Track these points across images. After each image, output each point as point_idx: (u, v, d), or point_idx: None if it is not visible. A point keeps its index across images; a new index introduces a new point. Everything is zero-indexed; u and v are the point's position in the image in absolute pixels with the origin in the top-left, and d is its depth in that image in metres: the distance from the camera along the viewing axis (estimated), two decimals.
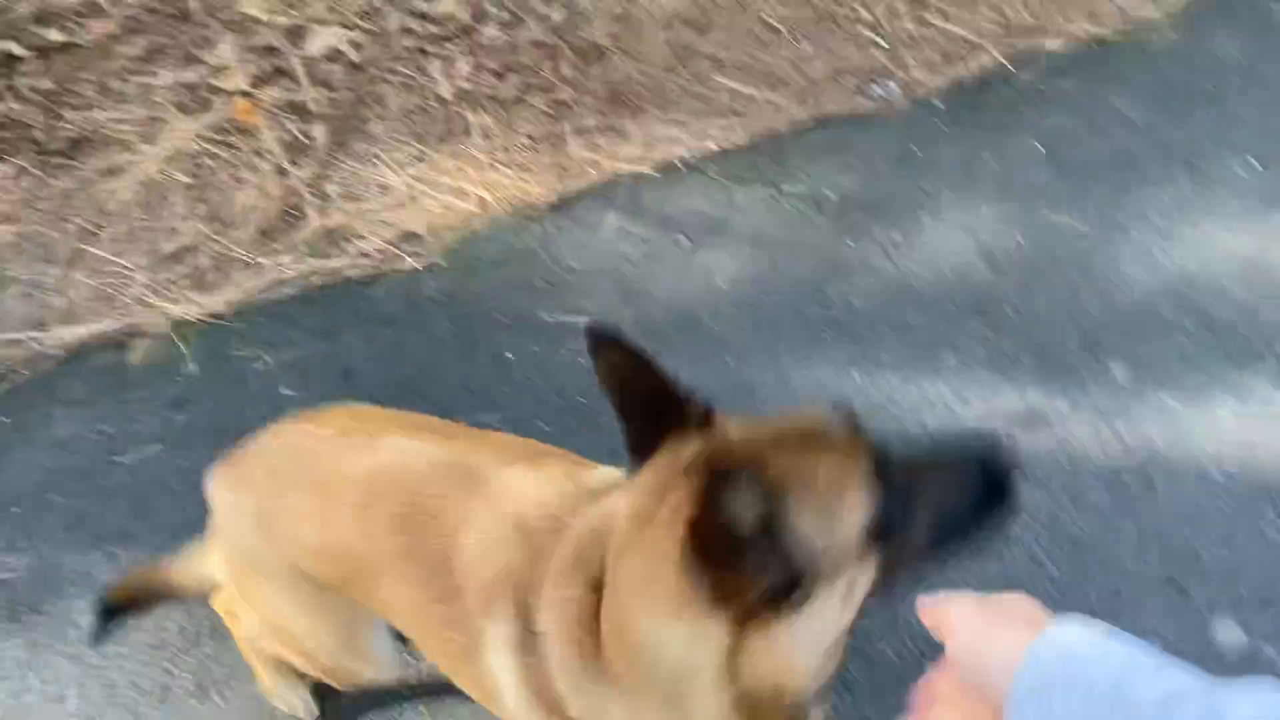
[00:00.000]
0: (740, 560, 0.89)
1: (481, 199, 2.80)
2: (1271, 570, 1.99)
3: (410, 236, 2.75)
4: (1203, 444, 2.17)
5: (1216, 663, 1.89)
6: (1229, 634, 1.94)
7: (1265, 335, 2.32)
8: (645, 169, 2.80)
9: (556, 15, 3.19)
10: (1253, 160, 2.64)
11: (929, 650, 0.88)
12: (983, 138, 2.76)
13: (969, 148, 2.74)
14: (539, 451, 1.38)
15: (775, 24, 3.13)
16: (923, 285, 2.48)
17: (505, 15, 3.21)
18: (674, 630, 0.96)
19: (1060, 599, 1.98)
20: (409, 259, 2.69)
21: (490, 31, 3.17)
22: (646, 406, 0.99)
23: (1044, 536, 2.07)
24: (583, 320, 2.48)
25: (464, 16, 3.21)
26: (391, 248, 2.73)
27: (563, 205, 2.75)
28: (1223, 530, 2.05)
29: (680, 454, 0.99)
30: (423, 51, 3.18)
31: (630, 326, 2.43)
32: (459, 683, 1.34)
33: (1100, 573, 2.01)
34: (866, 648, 1.89)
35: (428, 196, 2.83)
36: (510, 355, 2.43)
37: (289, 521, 1.34)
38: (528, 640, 1.14)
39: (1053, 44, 2.96)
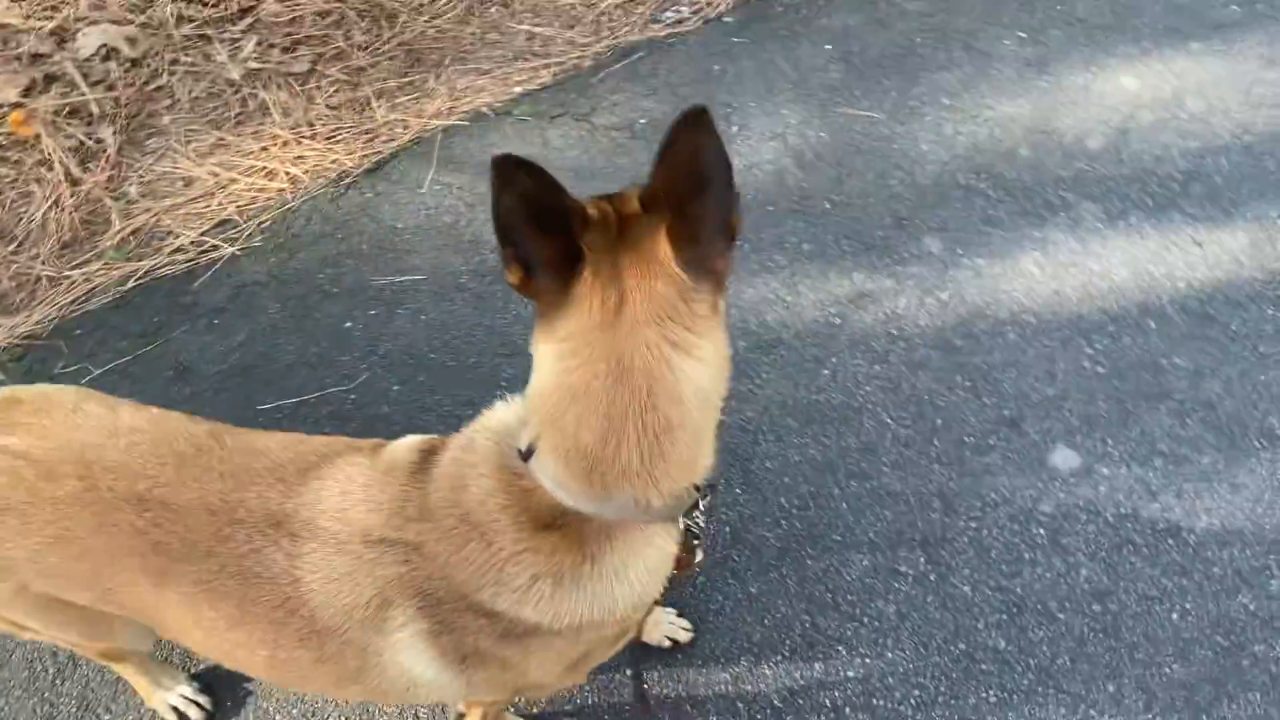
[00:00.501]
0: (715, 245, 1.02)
1: (291, 175, 2.72)
2: (1093, 396, 2.17)
3: (223, 224, 2.66)
4: (1016, 296, 2.33)
5: (1056, 486, 2.05)
6: (1065, 459, 2.10)
7: (1055, 188, 2.49)
8: (455, 120, 2.78)
9: None
10: (1020, 34, 2.82)
11: None
12: (775, 46, 2.85)
13: (764, 58, 2.83)
14: (312, 460, 1.25)
15: None
16: (743, 194, 2.54)
17: None
18: (707, 346, 1.03)
19: (910, 454, 2.11)
20: (225, 246, 2.60)
21: (271, 6, 3.07)
22: (554, 221, 0.98)
23: (889, 402, 2.19)
24: (418, 278, 2.46)
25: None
26: (206, 239, 2.63)
27: (377, 168, 2.70)
28: (1046, 369, 2.21)
29: (608, 239, 1.02)
30: (204, 37, 3.05)
31: (465, 276, 2.43)
32: (337, 694, 1.31)
33: (943, 426, 2.14)
34: None
35: (235, 182, 2.73)
36: (348, 324, 2.39)
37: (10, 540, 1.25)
38: (442, 621, 1.15)
39: None
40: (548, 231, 0.98)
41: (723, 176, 0.98)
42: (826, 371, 2.25)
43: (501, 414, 1.18)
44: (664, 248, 1.00)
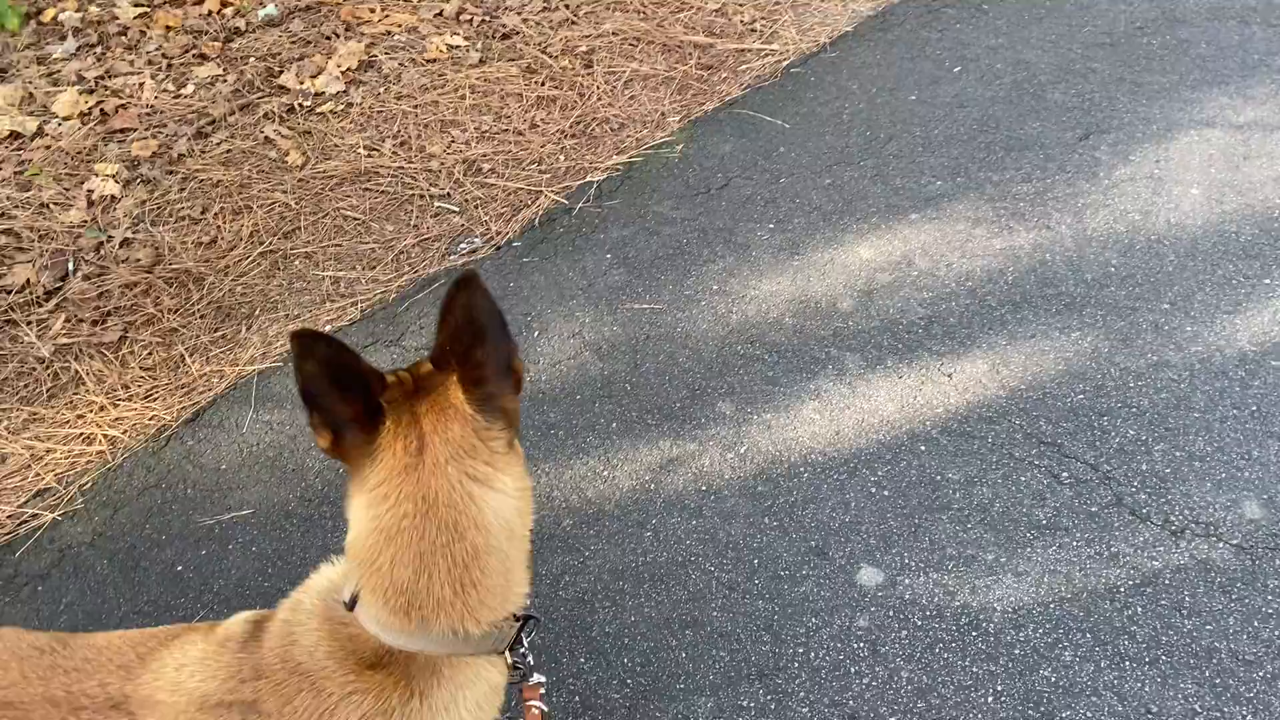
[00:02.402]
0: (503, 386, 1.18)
1: (110, 437, 2.77)
2: (884, 517, 2.41)
3: (42, 493, 2.66)
4: (803, 441, 2.59)
5: (867, 601, 2.25)
6: (870, 576, 2.31)
7: (820, 346, 2.83)
8: (270, 364, 2.93)
9: (143, 256, 3.28)
10: (770, 225, 3.25)
11: None
12: (562, 260, 3.17)
13: (553, 271, 3.14)
14: (152, 645, 1.30)
15: (357, 216, 3.42)
16: (551, 388, 2.78)
17: (89, 268, 3.24)
18: (506, 478, 1.17)
19: (735, 595, 2.27)
20: (46, 514, 2.59)
21: (78, 285, 3.19)
22: (353, 384, 1.12)
23: (709, 552, 2.36)
24: (246, 513, 2.52)
25: (44, 280, 3.21)
26: (24, 510, 2.63)
27: (196, 418, 2.79)
28: (839, 499, 2.46)
29: (403, 401, 1.16)
30: (10, 322, 3.12)
31: (293, 503, 2.52)
32: None
33: (760, 565, 2.33)
34: None
35: (52, 451, 2.76)
36: (179, 568, 2.41)
37: None
38: None
39: (595, 177, 3.48)
40: (349, 393, 1.13)
41: (497, 325, 1.17)
42: (649, 533, 2.42)
43: (326, 573, 1.29)
44: (456, 394, 1.17)
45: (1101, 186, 3.25)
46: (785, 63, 3.96)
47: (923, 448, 2.56)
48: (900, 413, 2.64)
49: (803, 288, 3.02)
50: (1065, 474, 2.46)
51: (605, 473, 2.55)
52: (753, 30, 4.14)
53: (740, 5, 4.27)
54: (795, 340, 2.86)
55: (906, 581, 2.29)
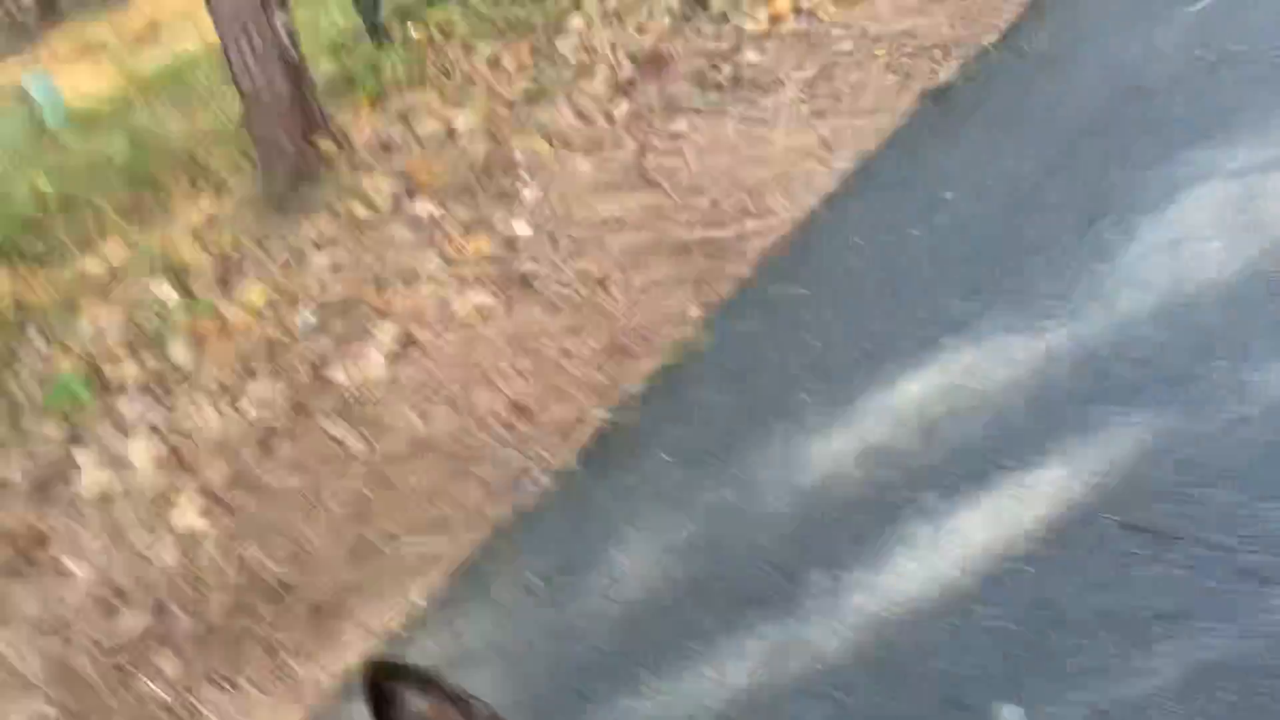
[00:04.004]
0: None
1: None
2: (1009, 648, 2.33)
3: None
4: (904, 591, 2.55)
5: None
6: (1013, 715, 2.22)
7: (893, 491, 2.82)
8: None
9: (236, 579, 3.40)
10: (809, 387, 3.30)
11: None
12: (623, 473, 3.25)
13: (616, 487, 3.20)
14: None
15: (423, 485, 3.54)
16: (642, 608, 2.79)
17: (190, 602, 3.37)
18: None
19: None
20: None
21: (183, 623, 3.31)
22: None
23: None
24: None
25: (151, 627, 3.33)
26: None
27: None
28: (958, 643, 2.38)
29: None
30: (126, 674, 3.23)
31: None
32: None
33: None
34: None
35: None
36: None
37: None
38: None
39: (635, 387, 3.60)
40: None
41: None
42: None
43: None
44: None
45: (1120, 266, 3.28)
46: (785, 234, 4.13)
47: (1026, 568, 2.49)
48: (993, 538, 2.60)
49: (861, 438, 3.04)
50: (1174, 555, 2.38)
51: (717, 677, 2.51)
52: (747, 213, 4.34)
53: (729, 193, 4.49)
54: (869, 492, 2.86)
55: (1050, 710, 2.19)
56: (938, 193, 4.01)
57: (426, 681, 0.98)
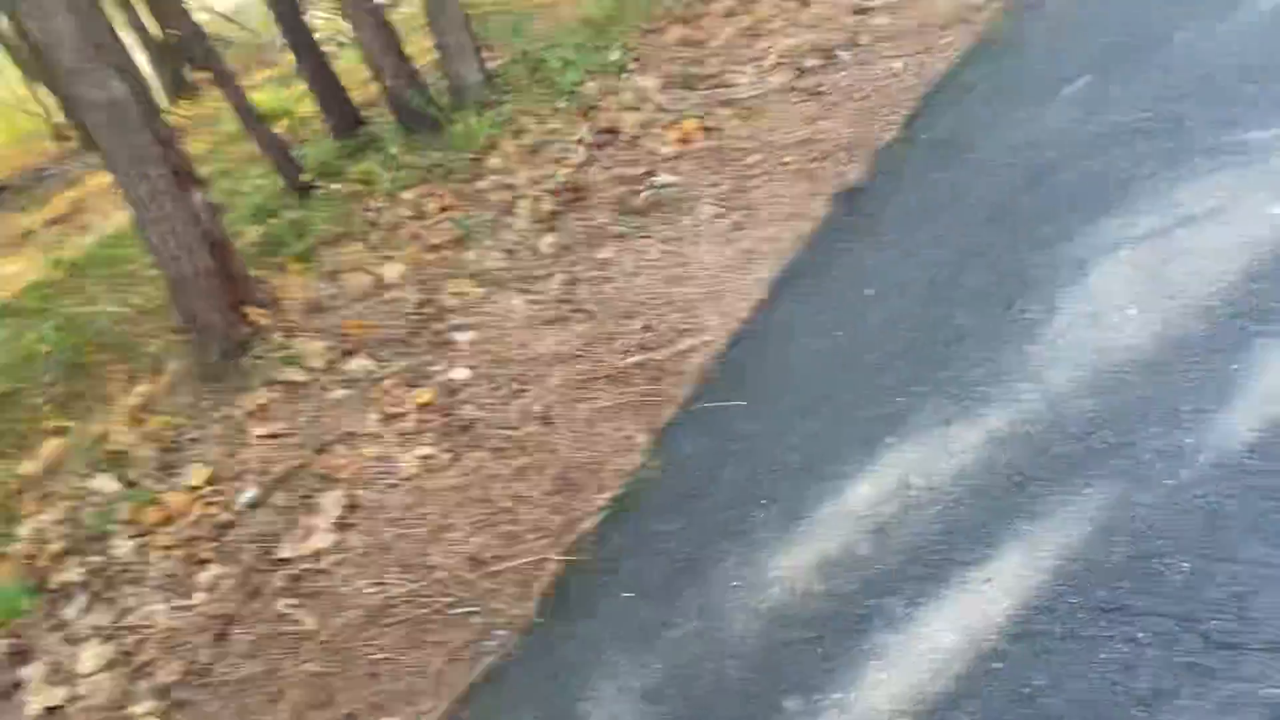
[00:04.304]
0: None
1: None
2: None
3: None
4: (880, 706, 2.50)
5: None
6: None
7: (856, 602, 2.79)
8: None
9: None
10: (762, 502, 3.28)
11: None
12: (587, 620, 3.17)
13: (582, 637, 3.13)
14: None
15: (384, 656, 3.43)
16: None
17: None
18: None
19: None
20: None
21: None
22: None
23: None
24: None
25: None
26: None
27: None
28: None
29: None
30: None
31: None
32: None
33: None
34: None
35: None
36: None
37: None
38: None
39: (589, 523, 3.55)
40: None
41: None
42: None
43: None
44: None
45: (1046, 342, 3.34)
46: (721, 349, 4.16)
47: (997, 665, 2.46)
48: (961, 638, 2.57)
49: (819, 549, 3.01)
50: (1142, 633, 2.37)
51: None
52: (681, 332, 4.37)
53: (661, 315, 4.54)
54: (833, 606, 2.82)
55: None
56: (861, 291, 4.09)
57: None
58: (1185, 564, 2.47)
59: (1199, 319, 3.13)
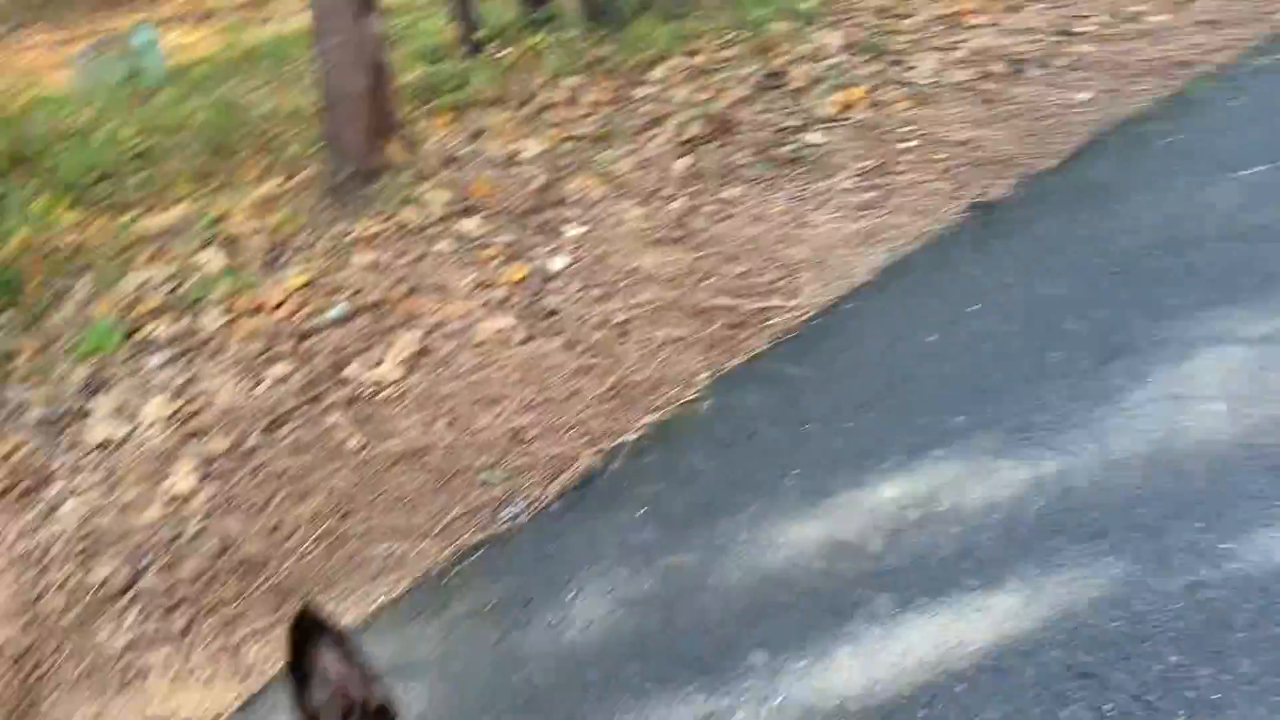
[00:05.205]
0: None
1: None
2: None
3: None
4: (836, 687, 2.58)
5: None
6: None
7: (851, 589, 2.86)
8: None
9: (211, 546, 3.51)
10: (795, 470, 3.35)
11: None
12: (598, 520, 3.31)
13: (589, 531, 3.27)
14: None
15: (409, 493, 3.63)
16: (587, 649, 2.85)
17: (162, 561, 3.48)
18: None
19: None
20: None
21: (151, 579, 3.41)
22: None
23: None
24: None
25: (121, 577, 3.44)
26: None
27: (249, 704, 2.90)
28: None
29: None
30: (85, 620, 3.33)
31: None
32: None
33: None
34: None
35: None
36: None
37: None
38: None
39: (629, 437, 3.66)
40: None
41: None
42: None
43: None
44: None
45: (1122, 410, 3.29)
46: (806, 316, 4.19)
47: (960, 687, 2.51)
48: (935, 651, 2.62)
49: (831, 531, 3.08)
50: (1108, 706, 2.39)
51: None
52: (775, 289, 4.41)
53: (763, 268, 4.57)
54: (826, 584, 2.89)
55: None
56: (963, 304, 4.05)
57: (343, 641, 1.23)
58: (1174, 657, 2.47)
59: (1278, 436, 3.06)
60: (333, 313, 4.72)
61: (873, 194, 5.08)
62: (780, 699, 2.58)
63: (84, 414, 4.33)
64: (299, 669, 1.32)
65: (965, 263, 4.38)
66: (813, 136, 5.70)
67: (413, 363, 4.32)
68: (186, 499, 3.73)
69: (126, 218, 6.65)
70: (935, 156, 5.32)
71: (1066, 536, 2.87)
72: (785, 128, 5.88)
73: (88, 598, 3.35)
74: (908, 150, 5.44)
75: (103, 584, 3.41)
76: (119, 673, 3.12)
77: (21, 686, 3.14)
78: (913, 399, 3.58)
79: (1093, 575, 2.73)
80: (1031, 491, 3.06)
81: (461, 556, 3.29)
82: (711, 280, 4.55)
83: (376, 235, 5.39)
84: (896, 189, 5.09)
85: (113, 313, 5.09)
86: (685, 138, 5.98)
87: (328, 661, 1.34)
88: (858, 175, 5.27)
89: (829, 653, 2.68)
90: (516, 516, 3.41)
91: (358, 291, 4.86)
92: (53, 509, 3.83)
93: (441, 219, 5.44)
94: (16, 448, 4.21)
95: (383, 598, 3.20)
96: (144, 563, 3.45)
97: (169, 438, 4.07)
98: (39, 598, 3.39)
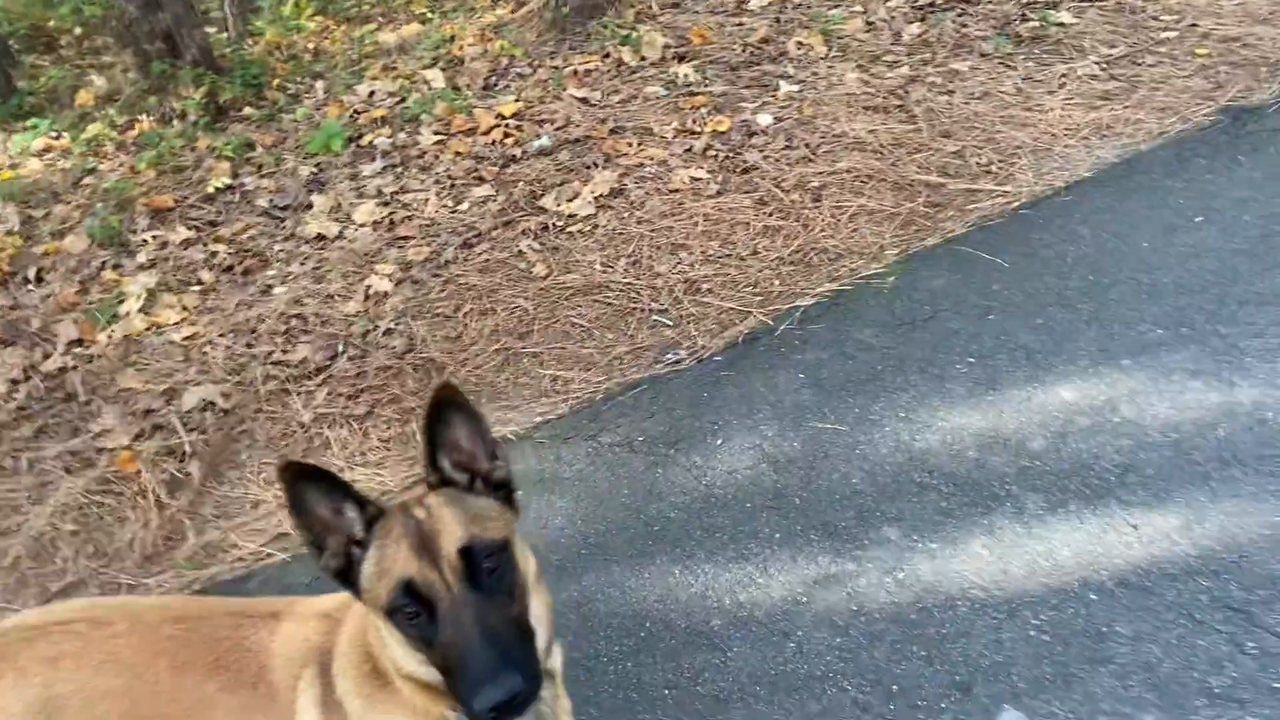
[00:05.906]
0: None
1: None
2: (1038, 662, 2.33)
3: (280, 537, 3.09)
4: (966, 575, 2.56)
5: None
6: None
7: (1001, 483, 2.79)
8: None
9: (398, 345, 3.76)
10: (970, 359, 3.25)
11: None
12: (756, 376, 3.33)
13: (746, 386, 3.30)
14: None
15: (583, 324, 3.75)
16: (724, 494, 2.92)
17: (354, 351, 3.76)
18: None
19: (867, 718, 2.26)
20: (279, 554, 3.01)
21: (342, 365, 3.71)
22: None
23: (849, 671, 2.38)
24: None
25: (317, 359, 3.75)
26: (264, 549, 3.06)
27: (413, 487, 3.15)
28: (993, 638, 2.39)
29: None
30: (284, 391, 3.67)
31: None
32: None
33: (899, 692, 2.31)
34: None
35: None
36: None
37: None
38: (327, 695, 1.51)
39: (804, 301, 3.63)
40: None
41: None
42: (793, 644, 2.46)
43: None
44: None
45: None
46: (1016, 204, 3.97)
47: (1094, 596, 2.45)
48: (1076, 559, 2.55)
49: (993, 423, 2.99)
50: (1251, 644, 2.27)
51: (761, 580, 2.63)
52: (988, 172, 4.19)
53: (979, 148, 4.34)
54: (976, 474, 2.83)
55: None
56: (1190, 214, 3.73)
57: (477, 419, 1.44)
58: None
59: None
60: (538, 143, 4.83)
61: (1116, 84, 4.68)
62: (904, 573, 2.59)
63: (305, 207, 4.66)
64: (433, 434, 1.43)
65: (1201, 170, 4.00)
66: (1061, 15, 5.25)
67: (606, 201, 4.39)
68: (383, 298, 4.00)
69: (364, 30, 6.94)
70: (1197, 51, 4.81)
71: (1247, 469, 2.69)
72: (1034, 2, 5.44)
73: (286, 373, 3.68)
74: (1165, 41, 4.94)
75: (300, 363, 3.73)
76: (305, 440, 3.44)
77: (226, 436, 3.52)
78: (1112, 304, 3.37)
79: (1267, 513, 2.56)
80: (1220, 417, 2.86)
81: (622, 390, 3.40)
82: (920, 154, 4.36)
83: (591, 71, 5.42)
84: (1144, 81, 4.66)
85: (341, 118, 5.38)
86: (922, 1, 5.64)
87: (460, 435, 1.46)
88: (1104, 62, 4.85)
89: (964, 540, 2.65)
90: (679, 361, 3.48)
91: (564, 125, 4.94)
92: (267, 289, 4.18)
93: (656, 62, 5.40)
94: (245, 229, 4.60)
95: (544, 416, 3.36)
96: (339, 350, 3.75)
97: (375, 240, 4.34)
98: (244, 367, 3.76)
